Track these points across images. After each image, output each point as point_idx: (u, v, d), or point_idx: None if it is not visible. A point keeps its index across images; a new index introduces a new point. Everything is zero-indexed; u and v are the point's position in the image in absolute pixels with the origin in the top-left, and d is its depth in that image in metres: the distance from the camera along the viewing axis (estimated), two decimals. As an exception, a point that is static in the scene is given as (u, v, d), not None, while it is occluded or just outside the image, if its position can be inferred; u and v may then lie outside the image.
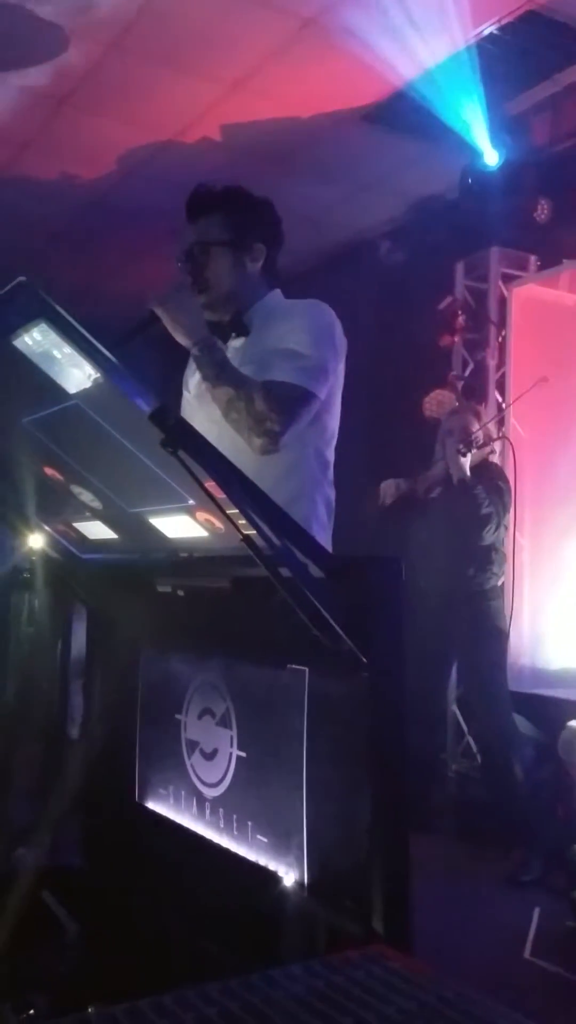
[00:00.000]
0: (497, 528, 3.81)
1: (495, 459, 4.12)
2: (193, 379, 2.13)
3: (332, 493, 2.08)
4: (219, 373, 1.91)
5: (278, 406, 1.89)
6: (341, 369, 2.03)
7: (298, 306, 2.07)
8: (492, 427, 4.16)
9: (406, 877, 1.14)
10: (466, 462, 3.77)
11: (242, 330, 2.05)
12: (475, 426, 3.93)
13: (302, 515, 1.97)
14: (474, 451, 3.82)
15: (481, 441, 3.90)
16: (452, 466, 3.81)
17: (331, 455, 2.09)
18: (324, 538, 2.03)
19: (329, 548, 2.04)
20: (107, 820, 1.87)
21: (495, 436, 4.09)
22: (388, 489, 4.03)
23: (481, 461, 3.93)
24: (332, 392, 2.02)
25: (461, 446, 3.76)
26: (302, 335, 1.97)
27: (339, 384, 2.04)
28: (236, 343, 2.05)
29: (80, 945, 1.67)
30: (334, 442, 2.09)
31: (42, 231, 5.72)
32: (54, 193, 5.20)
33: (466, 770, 4.55)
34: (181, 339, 1.93)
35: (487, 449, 3.99)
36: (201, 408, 2.06)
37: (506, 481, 3.93)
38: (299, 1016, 0.82)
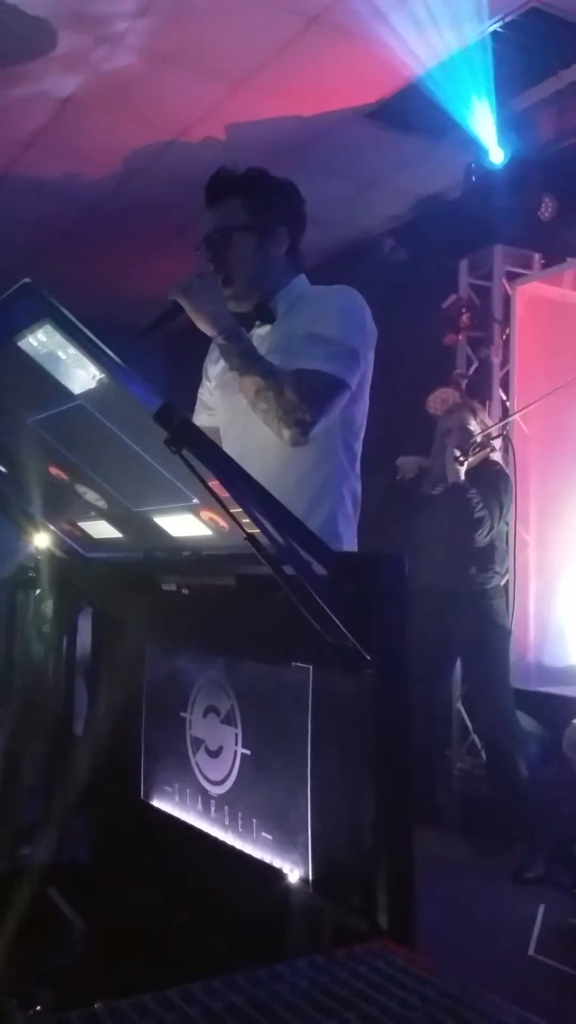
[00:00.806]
0: (490, 531, 3.79)
1: (496, 456, 4.11)
2: (215, 368, 2.07)
3: (358, 486, 2.02)
4: (246, 363, 1.84)
5: (309, 395, 1.82)
6: (371, 357, 1.96)
7: (327, 291, 1.99)
8: (491, 424, 4.14)
9: (410, 873, 1.15)
10: (462, 468, 3.76)
11: (267, 317, 1.98)
12: (472, 424, 3.93)
13: (329, 509, 1.93)
14: (471, 457, 3.81)
15: (478, 444, 3.89)
16: (448, 469, 3.81)
17: (359, 447, 2.02)
18: (350, 534, 1.97)
19: (355, 544, 2.01)
20: (113, 817, 1.88)
21: (494, 434, 4.08)
22: (408, 465, 4.04)
23: (481, 461, 3.93)
24: (362, 381, 1.95)
25: (457, 452, 3.75)
26: (332, 321, 1.90)
27: (369, 373, 1.97)
28: (261, 331, 1.98)
29: (86, 941, 1.67)
30: (362, 433, 2.02)
31: (46, 230, 5.73)
32: (58, 192, 5.21)
33: (471, 767, 4.56)
34: (205, 328, 1.86)
35: (487, 448, 3.99)
36: (225, 398, 2.02)
37: (507, 478, 3.92)
38: (303, 1010, 0.83)
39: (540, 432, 4.41)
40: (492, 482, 3.87)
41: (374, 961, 0.93)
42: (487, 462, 3.99)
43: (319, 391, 1.84)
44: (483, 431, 3.95)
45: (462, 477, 3.78)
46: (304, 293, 2.01)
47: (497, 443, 4.13)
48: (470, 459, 3.80)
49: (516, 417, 4.33)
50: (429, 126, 4.40)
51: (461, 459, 3.75)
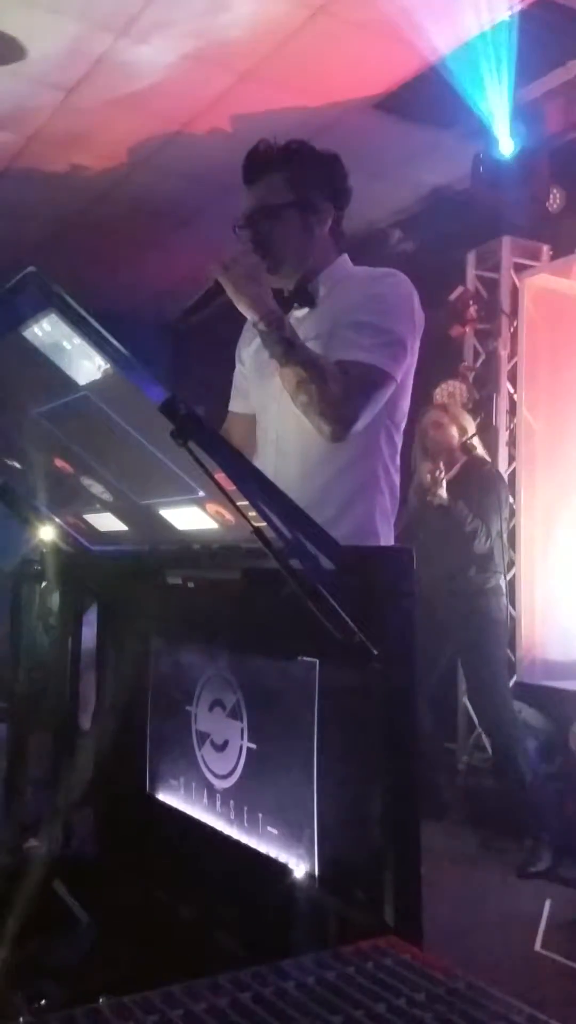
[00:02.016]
0: (488, 538, 3.76)
1: (481, 452, 4.05)
2: (248, 350, 1.98)
3: (398, 480, 1.92)
4: (288, 351, 1.71)
5: (354, 390, 1.71)
6: (418, 346, 1.85)
7: (374, 275, 1.87)
8: (470, 426, 4.03)
9: (417, 869, 1.14)
10: (442, 488, 3.72)
11: (307, 300, 1.86)
12: (455, 442, 3.88)
13: (368, 505, 1.84)
14: (450, 471, 3.77)
15: (455, 452, 3.84)
16: (429, 493, 3.74)
17: (400, 440, 1.91)
18: (387, 531, 1.87)
19: (391, 540, 1.91)
20: (118, 811, 1.88)
21: (472, 432, 3.97)
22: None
23: (470, 459, 3.89)
24: (407, 372, 1.84)
25: (435, 470, 3.69)
26: (380, 308, 1.78)
27: (414, 363, 1.86)
28: (299, 313, 1.86)
29: (91, 935, 1.67)
30: (403, 425, 1.92)
31: (51, 222, 5.72)
32: (63, 184, 5.20)
33: (477, 762, 4.56)
34: (246, 312, 1.74)
35: (467, 452, 3.92)
36: (259, 383, 1.92)
37: (499, 477, 3.88)
38: (309, 1007, 0.82)
39: (547, 426, 4.39)
40: (483, 484, 3.83)
41: (381, 958, 0.93)
42: (477, 462, 3.94)
43: (364, 385, 1.73)
44: (461, 435, 3.89)
45: (445, 496, 3.72)
46: (347, 275, 1.89)
47: (504, 433, 4.11)
48: (450, 472, 3.75)
49: (525, 412, 4.31)
50: (437, 117, 4.38)
51: (440, 476, 3.71)
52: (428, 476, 3.73)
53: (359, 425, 1.74)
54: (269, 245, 1.82)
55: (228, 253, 1.74)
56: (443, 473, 3.72)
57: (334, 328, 1.80)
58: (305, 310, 1.88)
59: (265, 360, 1.80)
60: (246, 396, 2.03)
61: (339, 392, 1.71)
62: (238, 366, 2.06)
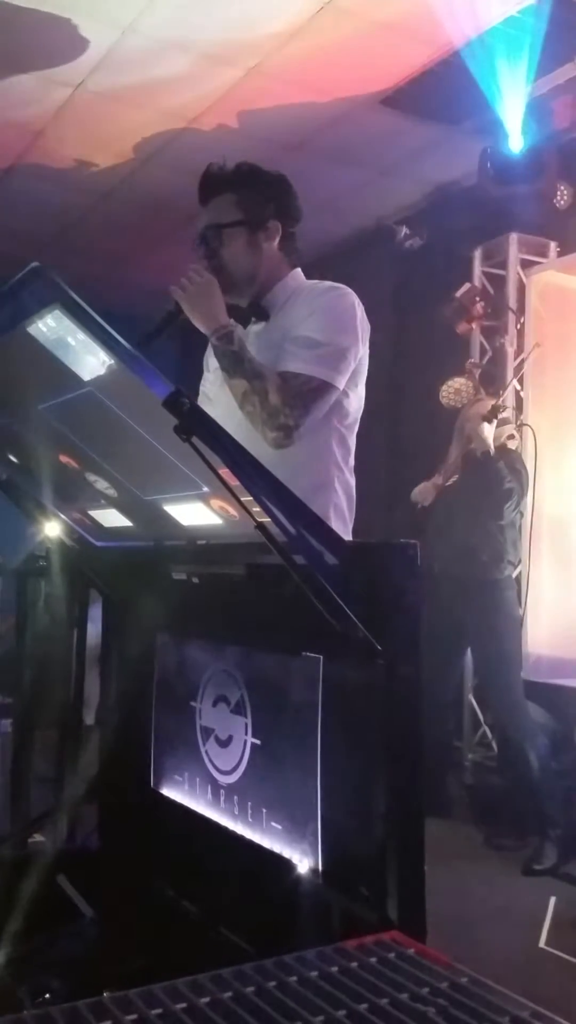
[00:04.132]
0: (517, 506, 3.81)
1: (512, 445, 4.10)
2: (213, 360, 2.06)
3: (352, 480, 2.02)
4: (234, 364, 1.86)
5: (293, 399, 1.83)
6: (364, 352, 1.96)
7: (319, 289, 1.99)
8: (511, 414, 4.14)
9: (421, 865, 1.14)
10: (490, 435, 3.77)
11: (262, 314, 1.99)
12: (493, 404, 3.94)
13: (321, 504, 1.92)
14: (495, 424, 3.81)
15: (499, 415, 3.90)
16: (476, 440, 3.80)
17: (353, 441, 2.02)
18: (342, 528, 1.97)
19: (348, 538, 2.01)
20: (123, 806, 1.88)
21: (514, 422, 4.08)
22: (425, 491, 4.04)
23: (499, 446, 3.92)
24: (354, 377, 1.95)
25: (487, 412, 3.76)
26: (320, 321, 1.90)
27: (363, 368, 1.97)
28: (256, 327, 2.00)
29: (95, 929, 1.68)
30: (356, 427, 2.02)
31: (58, 218, 5.72)
32: (70, 180, 5.19)
33: (482, 759, 4.55)
34: (201, 327, 1.89)
35: (505, 434, 3.98)
36: (224, 392, 2.00)
37: (524, 466, 3.91)
38: (312, 1001, 0.82)
39: (554, 422, 4.37)
40: (511, 464, 3.87)
41: (384, 953, 0.93)
42: (504, 449, 3.98)
43: (303, 394, 1.85)
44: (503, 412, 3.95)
45: (492, 444, 3.77)
46: (297, 289, 2.01)
47: (513, 431, 4.11)
48: (494, 431, 3.80)
49: (532, 408, 4.29)
50: (444, 113, 4.36)
51: (489, 418, 3.75)
52: (478, 426, 3.75)
53: (300, 432, 1.85)
54: (221, 262, 1.95)
55: (185, 273, 1.88)
56: (492, 416, 3.76)
57: (282, 341, 1.91)
58: (261, 324, 1.99)
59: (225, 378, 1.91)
60: (211, 402, 2.11)
61: (279, 402, 1.82)
62: (205, 373, 2.14)
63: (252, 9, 3.65)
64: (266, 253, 1.99)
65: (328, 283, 2.00)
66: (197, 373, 2.18)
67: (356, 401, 1.99)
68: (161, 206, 5.40)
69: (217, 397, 2.06)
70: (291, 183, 2.03)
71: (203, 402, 2.14)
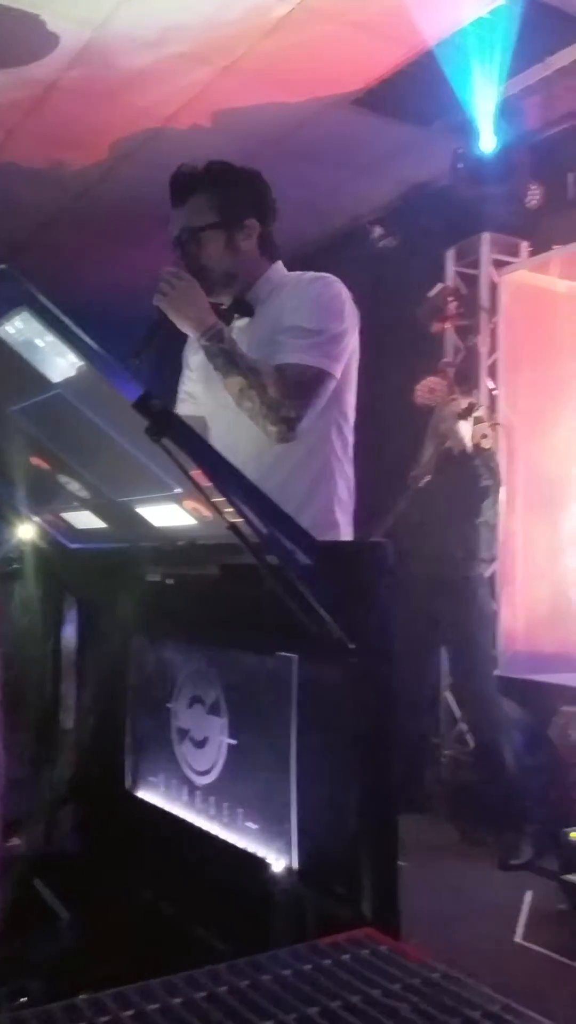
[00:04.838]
0: (494, 504, 3.85)
1: (486, 444, 4.14)
2: (196, 358, 2.04)
3: (352, 472, 2.00)
4: (229, 362, 1.83)
5: (293, 391, 1.80)
6: (356, 342, 1.93)
7: (305, 279, 1.96)
8: (485, 413, 4.18)
9: (394, 861, 1.15)
10: (466, 434, 3.80)
11: (246, 310, 1.96)
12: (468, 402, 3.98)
13: (325, 497, 1.91)
14: (471, 423, 3.84)
15: (475, 414, 3.94)
16: (452, 439, 3.83)
17: (351, 433, 1.99)
18: (345, 521, 1.96)
19: (350, 531, 1.99)
20: (99, 809, 1.87)
21: (488, 420, 4.11)
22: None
23: (474, 444, 3.95)
24: (348, 367, 1.93)
25: (463, 410, 3.79)
26: (311, 310, 1.87)
27: (355, 358, 1.95)
28: (240, 323, 1.97)
29: (72, 932, 1.67)
30: (353, 418, 2.00)
31: (32, 218, 5.68)
32: (44, 180, 5.16)
33: (459, 755, 4.58)
34: (187, 330, 1.87)
35: (479, 433, 4.01)
36: (210, 391, 1.99)
37: (497, 465, 3.95)
38: (285, 999, 0.82)
39: (526, 420, 4.41)
40: (486, 463, 3.90)
41: (358, 950, 0.93)
42: (479, 447, 4.01)
43: (303, 385, 1.82)
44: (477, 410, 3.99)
45: (469, 442, 3.80)
46: (282, 282, 1.98)
47: (488, 431, 4.14)
48: (470, 430, 3.83)
49: (504, 407, 4.33)
50: (416, 113, 4.38)
51: (467, 418, 3.78)
52: (455, 425, 3.78)
53: (303, 424, 1.82)
54: (199, 264, 1.91)
55: (163, 278, 1.85)
56: (468, 414, 3.79)
57: (272, 334, 1.89)
58: (245, 320, 1.96)
59: (213, 370, 1.88)
60: (195, 399, 2.09)
61: (278, 395, 1.80)
62: (185, 371, 2.12)
63: (224, 7, 3.65)
64: (245, 252, 1.96)
65: (313, 273, 1.97)
66: (175, 372, 2.16)
67: (351, 392, 1.97)
68: (137, 205, 5.37)
69: (202, 396, 2.05)
70: (264, 179, 2.00)
71: (186, 401, 2.12)
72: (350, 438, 1.99)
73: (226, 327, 1.88)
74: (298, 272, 2.00)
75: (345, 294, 1.93)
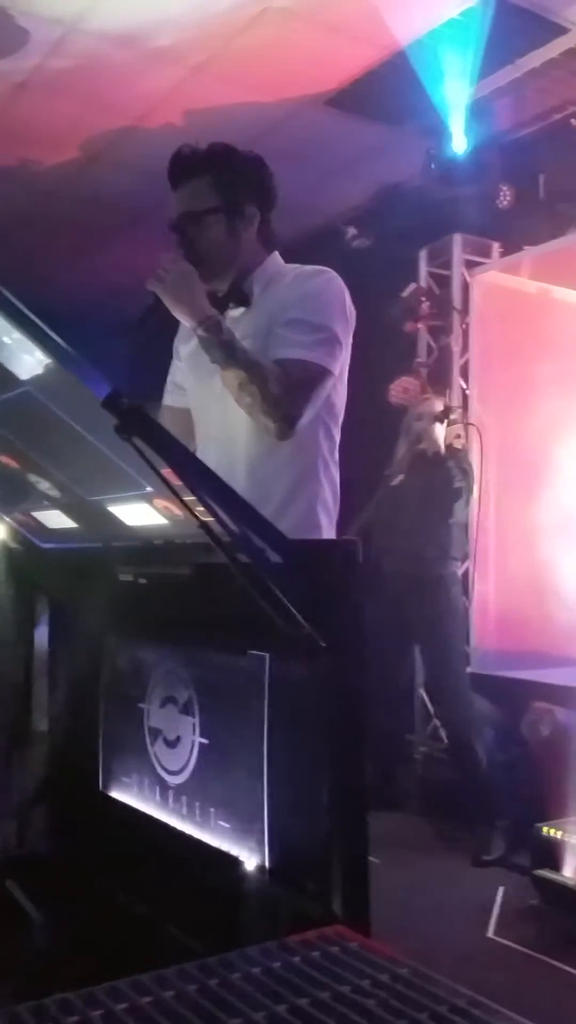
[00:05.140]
0: (466, 503, 3.89)
1: (459, 444, 4.17)
2: (187, 348, 1.98)
3: (337, 474, 1.95)
4: (228, 354, 1.75)
5: (295, 387, 1.75)
6: (351, 341, 1.89)
7: (306, 272, 1.89)
8: (459, 413, 4.22)
9: (365, 858, 1.15)
10: (441, 435, 3.83)
11: (242, 300, 1.88)
12: (444, 404, 4.01)
13: (309, 498, 1.88)
14: (446, 424, 3.88)
15: (451, 416, 3.97)
16: (427, 440, 3.86)
17: (338, 434, 1.95)
18: (328, 523, 1.92)
19: (332, 534, 1.95)
20: (71, 810, 1.86)
21: (461, 421, 4.14)
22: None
23: (447, 445, 3.98)
24: (342, 367, 1.88)
25: (439, 413, 3.82)
26: (314, 305, 1.82)
27: (348, 358, 1.90)
28: (235, 313, 1.89)
29: (44, 933, 1.66)
30: (341, 420, 1.96)
31: (2, 217, 5.64)
32: (14, 178, 5.12)
33: (433, 752, 4.60)
34: (184, 319, 1.79)
35: (453, 433, 4.04)
36: (199, 383, 1.93)
37: (470, 465, 3.98)
38: (254, 997, 0.83)
39: (499, 420, 4.44)
40: (460, 464, 3.93)
41: (327, 947, 0.94)
42: (452, 448, 4.05)
43: (305, 382, 1.77)
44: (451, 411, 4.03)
45: (442, 444, 3.83)
46: (279, 273, 1.92)
47: (460, 431, 4.18)
48: (444, 432, 3.86)
49: (477, 407, 4.36)
50: (388, 114, 4.40)
51: (439, 421, 3.81)
52: (430, 426, 3.79)
53: (303, 421, 1.78)
54: (197, 250, 1.84)
55: (160, 263, 1.77)
56: (444, 416, 3.82)
57: (270, 326, 1.83)
58: (240, 310, 1.90)
59: (204, 361, 1.82)
60: (183, 391, 2.04)
61: (280, 391, 1.75)
62: (174, 361, 2.06)
63: (195, 7, 3.64)
64: (245, 239, 1.89)
65: (314, 267, 1.92)
66: (153, 375, 2.13)
67: (342, 394, 1.93)
68: (109, 205, 5.35)
69: (192, 388, 1.99)
70: (267, 164, 1.92)
71: (173, 392, 2.06)
72: (337, 439, 1.95)
73: (223, 318, 1.82)
74: (296, 264, 1.93)
75: (346, 291, 1.88)
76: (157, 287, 1.76)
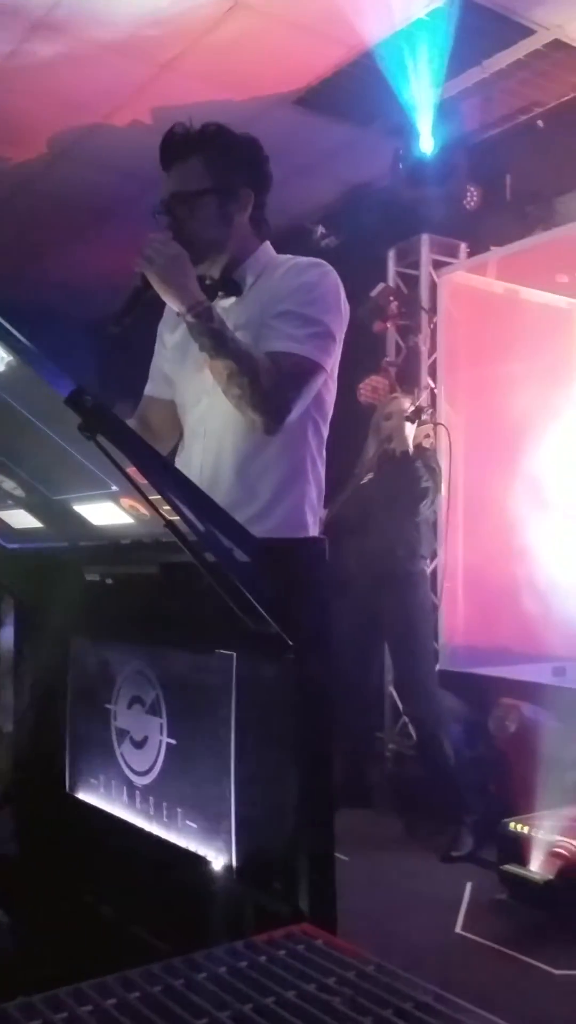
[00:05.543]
0: (433, 503, 3.91)
1: (427, 443, 4.20)
2: (172, 336, 1.92)
3: (323, 473, 1.91)
4: (218, 343, 1.68)
5: (286, 381, 1.70)
6: (343, 338, 1.84)
7: (301, 264, 1.83)
8: (427, 413, 4.24)
9: (331, 856, 1.16)
10: (410, 435, 3.85)
11: (233, 289, 1.82)
12: (413, 403, 4.03)
13: (296, 496, 1.83)
14: (416, 425, 3.89)
15: (422, 413, 3.99)
16: (396, 440, 3.87)
17: (326, 431, 1.90)
18: (314, 521, 1.87)
19: (316, 531, 1.90)
20: (38, 811, 1.85)
21: (430, 421, 4.17)
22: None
23: (416, 444, 4.00)
24: (334, 364, 1.82)
25: (410, 413, 3.84)
26: (309, 298, 1.76)
27: (340, 355, 1.85)
28: (225, 303, 1.82)
29: (11, 936, 1.65)
30: (330, 417, 1.90)
31: (-32, 213, 5.57)
32: (-20, 174, 5.07)
33: (402, 749, 4.63)
34: (173, 304, 1.71)
35: (422, 433, 4.06)
36: (187, 374, 1.88)
37: (438, 464, 4.01)
38: (219, 997, 0.82)
39: (467, 419, 4.48)
40: (427, 463, 3.95)
41: (293, 945, 0.94)
42: (420, 448, 4.06)
43: (296, 376, 1.72)
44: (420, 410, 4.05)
45: (411, 444, 3.84)
46: (272, 263, 1.86)
47: (429, 430, 4.20)
48: (414, 432, 3.88)
49: (446, 406, 4.39)
50: (357, 114, 4.41)
51: (412, 418, 3.83)
52: (400, 425, 3.81)
53: (292, 416, 1.74)
54: (187, 233, 1.77)
55: (149, 243, 1.70)
56: (416, 417, 3.83)
57: (262, 318, 1.78)
58: (231, 300, 1.84)
59: (194, 351, 1.77)
60: (168, 382, 1.98)
61: (271, 384, 1.70)
62: (158, 348, 2.00)
63: (164, 5, 3.62)
64: (237, 224, 1.82)
65: (311, 259, 1.87)
66: (123, 375, 2.07)
67: (333, 391, 1.89)
68: (77, 202, 5.31)
69: (178, 377, 1.93)
70: (262, 147, 1.87)
71: (158, 382, 2.00)
72: (325, 436, 1.90)
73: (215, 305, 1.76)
74: (290, 256, 1.87)
75: (341, 286, 1.83)
76: (146, 268, 1.68)
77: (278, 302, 1.77)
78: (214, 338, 1.69)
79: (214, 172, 1.79)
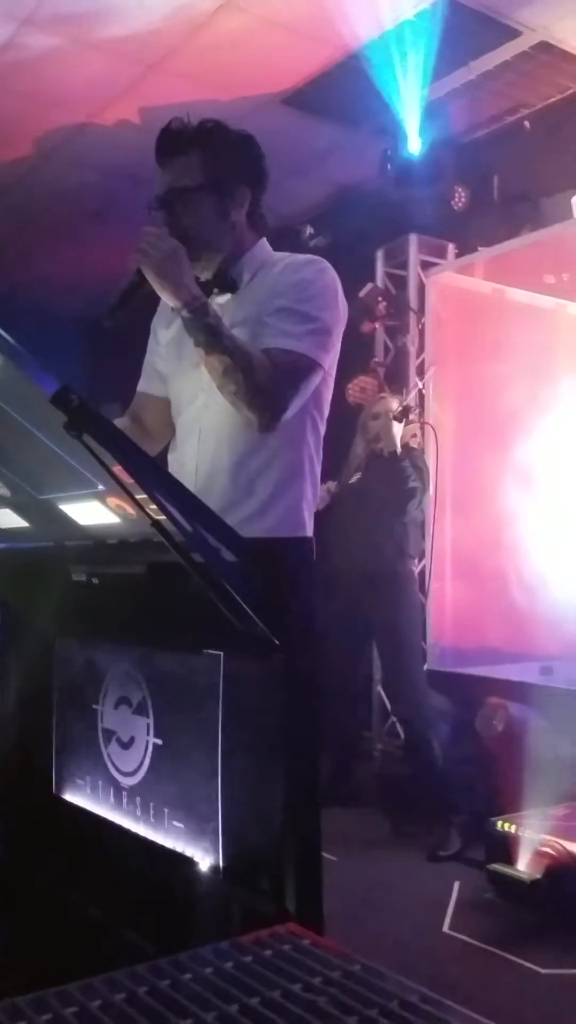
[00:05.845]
0: (420, 503, 3.91)
1: (415, 443, 4.21)
2: (167, 332, 1.90)
3: (319, 471, 1.89)
4: (213, 339, 1.67)
5: (282, 378, 1.68)
6: (341, 336, 1.83)
7: (298, 261, 1.82)
8: (415, 413, 4.25)
9: (317, 856, 1.15)
10: (398, 435, 3.85)
11: (229, 285, 1.81)
12: (401, 403, 4.04)
13: (295, 494, 1.82)
14: (404, 424, 3.90)
15: (409, 413, 4.00)
16: (384, 439, 3.87)
17: (323, 429, 1.89)
18: (310, 519, 1.86)
19: (310, 531, 1.88)
20: (24, 813, 1.84)
21: (418, 420, 4.18)
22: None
23: (403, 444, 4.01)
24: (332, 361, 1.81)
25: (398, 413, 3.85)
26: (306, 295, 1.75)
27: (338, 353, 1.83)
28: (220, 299, 1.81)
29: (-2, 939, 1.64)
30: (327, 414, 1.89)
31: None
32: (-33, 173, 5.05)
33: (390, 748, 4.64)
34: (169, 299, 1.69)
35: (410, 433, 4.07)
36: (183, 370, 1.86)
37: (425, 464, 4.02)
38: (205, 997, 0.82)
39: (454, 419, 4.49)
40: (415, 463, 3.96)
41: (280, 945, 0.93)
42: (408, 447, 4.07)
43: (293, 373, 1.71)
44: (407, 410, 4.05)
45: (399, 444, 3.85)
46: (269, 260, 1.84)
47: (416, 430, 4.21)
48: (401, 431, 3.88)
49: (433, 406, 4.40)
50: (344, 114, 4.42)
51: (399, 417, 3.83)
52: (388, 425, 3.81)
53: (288, 414, 1.73)
54: (183, 228, 1.75)
55: (144, 237, 1.68)
56: (403, 417, 3.83)
57: (258, 314, 1.77)
58: (227, 296, 1.83)
59: (189, 348, 1.75)
60: (162, 379, 1.96)
61: (267, 381, 1.69)
62: (152, 344, 1.98)
63: (152, 5, 3.62)
64: (234, 221, 1.81)
65: (306, 256, 1.86)
66: (114, 375, 2.06)
67: (331, 388, 1.87)
68: (66, 201, 5.30)
69: (172, 374, 1.91)
70: (258, 143, 1.86)
71: (152, 379, 1.98)
72: (322, 434, 1.89)
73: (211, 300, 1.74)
74: (286, 252, 1.86)
75: (339, 284, 1.82)
76: (142, 262, 1.66)
77: (275, 299, 1.77)
78: (209, 334, 1.68)
79: (211, 168, 1.79)
